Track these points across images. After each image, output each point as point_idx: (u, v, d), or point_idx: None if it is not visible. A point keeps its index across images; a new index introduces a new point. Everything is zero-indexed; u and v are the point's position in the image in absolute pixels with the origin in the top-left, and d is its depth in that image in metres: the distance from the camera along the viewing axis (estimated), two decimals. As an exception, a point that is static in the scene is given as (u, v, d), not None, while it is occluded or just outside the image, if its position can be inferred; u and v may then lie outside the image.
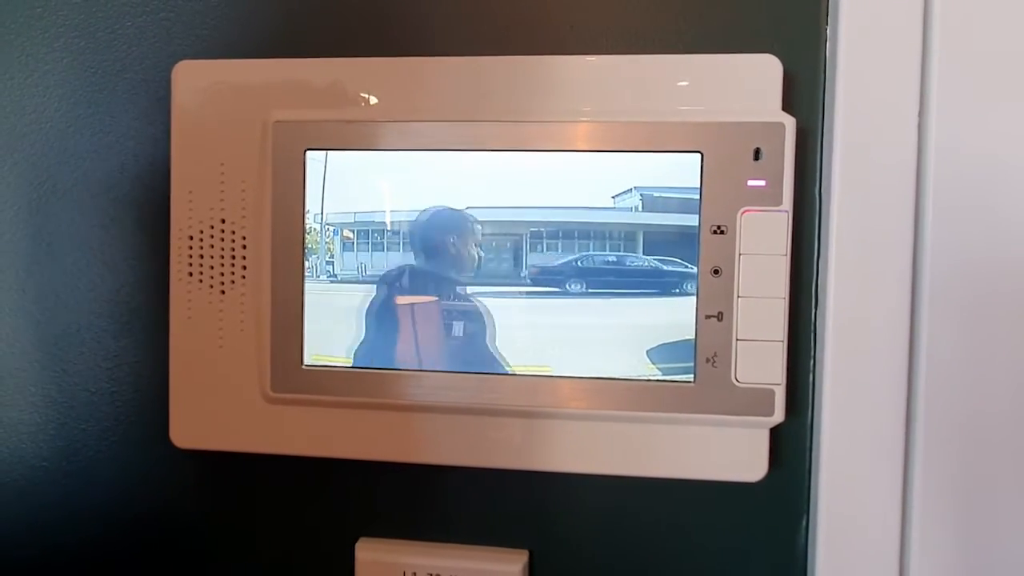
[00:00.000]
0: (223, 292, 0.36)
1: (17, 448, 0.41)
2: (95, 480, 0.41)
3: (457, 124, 0.34)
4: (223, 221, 0.36)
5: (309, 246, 0.35)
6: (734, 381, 0.33)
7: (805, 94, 0.35)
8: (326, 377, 0.35)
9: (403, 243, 0.35)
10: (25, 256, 0.40)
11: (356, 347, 0.35)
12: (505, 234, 0.34)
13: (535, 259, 0.34)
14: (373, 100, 0.35)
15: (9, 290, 0.40)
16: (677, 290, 0.33)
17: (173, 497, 0.40)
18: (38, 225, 0.40)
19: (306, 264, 0.35)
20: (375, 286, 0.35)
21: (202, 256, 0.36)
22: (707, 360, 0.33)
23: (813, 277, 0.35)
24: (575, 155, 0.33)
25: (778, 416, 0.33)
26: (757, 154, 0.33)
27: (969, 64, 0.32)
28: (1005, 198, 0.32)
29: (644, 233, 0.33)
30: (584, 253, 0.34)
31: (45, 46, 0.39)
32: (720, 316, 0.33)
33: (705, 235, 0.33)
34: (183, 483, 0.40)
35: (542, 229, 0.34)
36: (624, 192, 0.33)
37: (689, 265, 0.33)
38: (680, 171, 0.33)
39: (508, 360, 0.34)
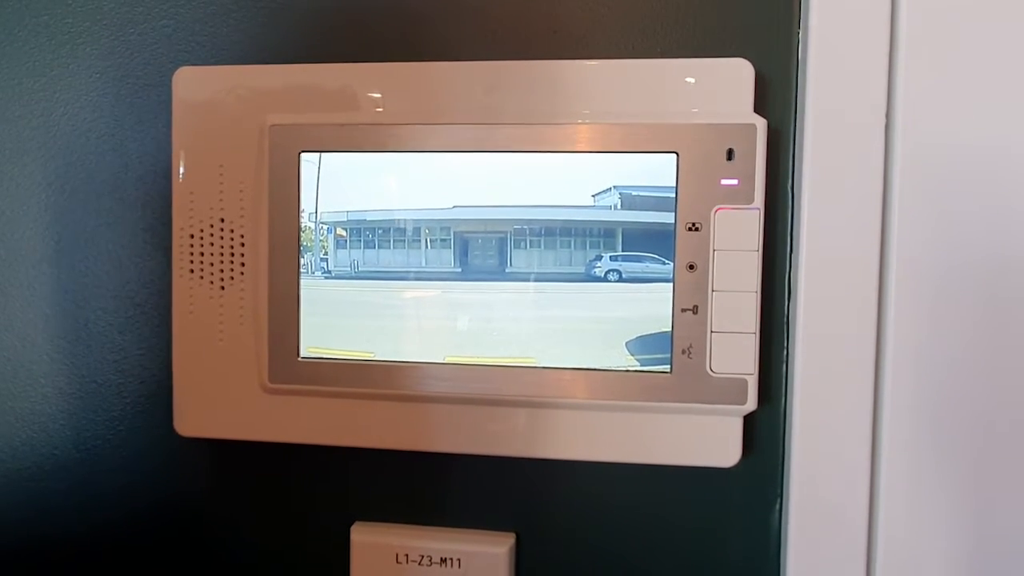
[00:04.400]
0: (223, 288, 0.38)
1: (29, 438, 0.43)
2: (102, 467, 0.42)
3: (444, 127, 0.35)
4: (222, 220, 0.38)
5: (304, 244, 0.37)
6: (709, 371, 0.34)
7: (777, 96, 0.36)
8: (321, 368, 0.37)
9: (394, 240, 0.36)
10: (34, 254, 0.42)
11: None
12: (490, 232, 0.36)
13: (519, 255, 0.36)
14: (364, 104, 0.37)
15: (20, 287, 0.42)
16: (654, 285, 0.35)
17: (176, 483, 0.42)
18: (46, 224, 0.41)
19: (302, 261, 0.37)
20: (371, 281, 0.37)
21: (203, 253, 0.38)
22: (683, 351, 0.35)
23: (786, 271, 0.36)
24: (557, 156, 0.35)
25: (751, 404, 0.34)
26: (730, 154, 0.34)
27: (934, 66, 0.33)
28: (969, 193, 0.33)
29: (622, 230, 0.35)
30: (567, 250, 0.35)
31: (51, 53, 0.41)
32: (695, 309, 0.34)
33: (681, 232, 0.34)
34: (186, 470, 0.42)
35: (525, 227, 0.36)
36: (604, 191, 0.35)
37: (665, 260, 0.35)
38: (657, 171, 0.34)
39: (495, 352, 0.36)
